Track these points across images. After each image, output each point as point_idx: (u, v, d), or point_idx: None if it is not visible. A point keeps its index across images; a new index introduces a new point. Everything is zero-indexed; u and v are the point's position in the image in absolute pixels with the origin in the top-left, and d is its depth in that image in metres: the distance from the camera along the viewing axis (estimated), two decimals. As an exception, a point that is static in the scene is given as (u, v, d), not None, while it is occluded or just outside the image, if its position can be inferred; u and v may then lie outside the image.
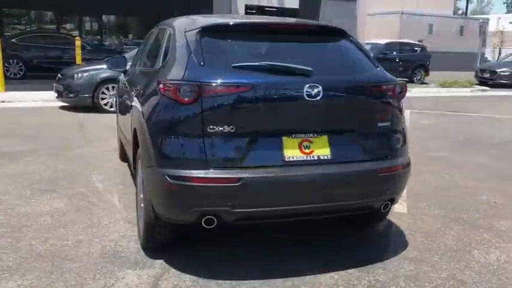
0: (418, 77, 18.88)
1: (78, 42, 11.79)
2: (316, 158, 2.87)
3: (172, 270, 3.04)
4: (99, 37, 20.86)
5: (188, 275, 2.97)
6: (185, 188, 2.73)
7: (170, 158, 2.78)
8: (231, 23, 3.24)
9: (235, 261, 3.17)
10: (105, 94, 9.43)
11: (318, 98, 2.80)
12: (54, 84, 9.70)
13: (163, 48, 3.42)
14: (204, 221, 2.79)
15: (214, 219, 2.78)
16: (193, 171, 2.73)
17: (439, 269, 3.15)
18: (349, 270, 3.08)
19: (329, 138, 2.92)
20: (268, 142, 2.83)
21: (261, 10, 23.09)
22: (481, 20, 29.85)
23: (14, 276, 2.91)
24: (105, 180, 4.93)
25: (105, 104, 9.43)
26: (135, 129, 3.38)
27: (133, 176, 3.87)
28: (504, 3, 48.47)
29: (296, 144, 2.86)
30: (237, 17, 3.66)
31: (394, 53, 18.62)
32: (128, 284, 2.86)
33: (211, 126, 2.73)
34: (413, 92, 14.68)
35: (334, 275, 3.03)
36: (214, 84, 2.73)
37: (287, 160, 2.83)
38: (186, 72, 2.81)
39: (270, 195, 2.80)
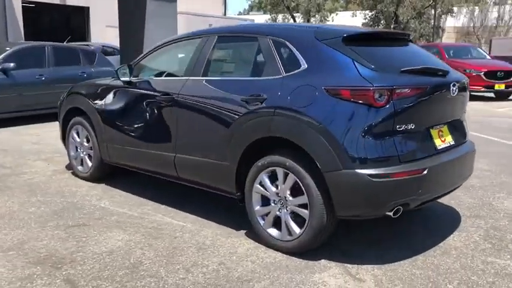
0: None
1: None
2: (449, 144, 3.47)
3: (348, 265, 3.21)
4: None
5: (376, 265, 3.20)
6: (387, 184, 2.99)
7: (368, 158, 2.98)
8: (366, 32, 3.59)
9: (383, 250, 3.50)
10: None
11: (455, 94, 3.40)
12: None
13: (278, 57, 3.39)
14: (393, 212, 3.09)
15: (401, 208, 3.11)
16: (390, 168, 3.01)
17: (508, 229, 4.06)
18: (454, 238, 3.72)
19: (448, 127, 3.54)
20: (425, 134, 3.29)
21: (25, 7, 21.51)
22: (248, 21, 33.43)
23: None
24: (121, 204, 4.41)
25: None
26: (257, 140, 3.37)
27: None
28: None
29: (437, 135, 3.40)
30: (344, 26, 3.92)
31: None
32: (335, 285, 2.96)
33: (399, 126, 3.05)
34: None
35: (455, 238, 3.68)
36: (404, 87, 3.05)
37: (439, 148, 3.34)
38: (369, 78, 3.02)
39: (442, 180, 3.30)
